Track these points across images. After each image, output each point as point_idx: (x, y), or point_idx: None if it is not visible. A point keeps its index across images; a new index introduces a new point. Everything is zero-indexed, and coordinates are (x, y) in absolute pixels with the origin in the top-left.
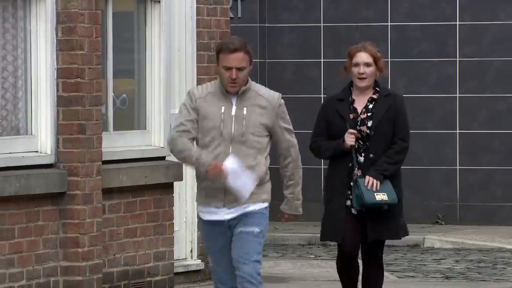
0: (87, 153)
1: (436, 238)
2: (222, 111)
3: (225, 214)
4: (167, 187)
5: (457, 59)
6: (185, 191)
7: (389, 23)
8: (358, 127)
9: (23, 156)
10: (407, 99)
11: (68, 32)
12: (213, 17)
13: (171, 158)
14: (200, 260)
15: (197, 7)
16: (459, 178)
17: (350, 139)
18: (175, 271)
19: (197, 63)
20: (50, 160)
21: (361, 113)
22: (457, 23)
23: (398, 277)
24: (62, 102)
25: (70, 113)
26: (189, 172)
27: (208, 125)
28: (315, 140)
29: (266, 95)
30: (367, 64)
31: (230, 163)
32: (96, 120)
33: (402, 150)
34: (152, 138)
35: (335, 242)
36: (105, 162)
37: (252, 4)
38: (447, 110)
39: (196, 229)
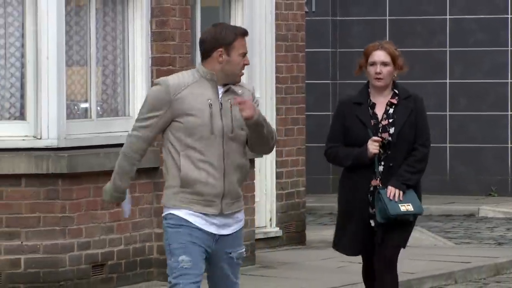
0: None
1: (489, 209)
2: (210, 104)
3: (219, 228)
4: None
5: (509, 48)
6: (265, 166)
7: (447, 16)
8: (379, 134)
9: (121, 135)
10: (464, 84)
11: (161, 25)
12: (290, 11)
13: None
14: (278, 228)
15: (276, 2)
16: (510, 155)
17: (374, 147)
18: (256, 237)
19: (275, 52)
20: None
21: (382, 119)
22: (509, 16)
23: (455, 244)
24: None
25: None
26: None
27: (195, 122)
28: (331, 146)
29: (245, 85)
30: (385, 63)
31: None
32: None
33: (423, 158)
34: None
35: (351, 256)
36: None
37: (324, 0)
38: (500, 93)
39: (274, 200)
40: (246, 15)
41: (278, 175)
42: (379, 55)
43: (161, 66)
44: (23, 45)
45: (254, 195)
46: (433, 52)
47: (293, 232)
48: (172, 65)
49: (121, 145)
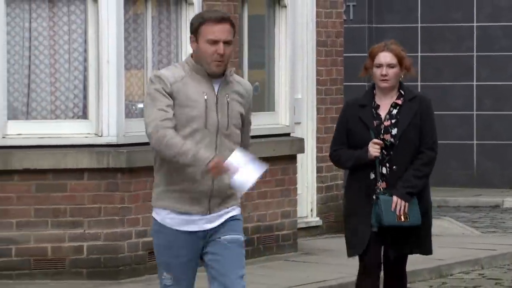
0: None
1: None
2: (205, 97)
3: (205, 223)
4: (291, 158)
5: None
6: (306, 161)
7: (474, 24)
8: (381, 136)
9: None
10: (489, 86)
11: None
12: (330, 19)
13: (295, 134)
14: (318, 218)
15: (316, 11)
16: None
17: (374, 149)
18: (298, 226)
19: (316, 57)
20: None
21: (384, 120)
22: None
23: (482, 232)
24: None
25: None
26: (309, 146)
27: (190, 113)
28: (335, 149)
29: (242, 82)
30: (390, 65)
31: (235, 159)
32: None
33: (430, 161)
34: (279, 118)
35: (355, 253)
36: None
37: (361, 8)
38: None
39: (315, 192)
40: (289, 23)
41: (319, 170)
42: (385, 57)
43: None
44: (85, 50)
45: (296, 188)
46: (461, 57)
47: (332, 222)
48: None
49: None
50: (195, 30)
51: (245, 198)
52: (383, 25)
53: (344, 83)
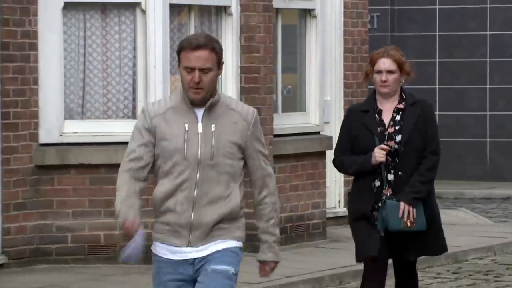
0: (262, 129)
1: None
2: (186, 128)
3: (190, 253)
4: (321, 154)
5: None
6: None
7: (488, 32)
8: (385, 142)
9: None
10: (502, 89)
11: (248, 40)
12: (356, 28)
13: (324, 133)
14: (345, 208)
15: (344, 20)
16: None
17: (381, 155)
18: (326, 216)
19: (343, 62)
20: None
21: (388, 127)
22: None
23: (495, 222)
24: (244, 91)
25: (250, 100)
26: None
27: (168, 147)
28: (338, 155)
29: (238, 109)
30: (390, 71)
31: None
32: (269, 105)
33: (434, 166)
34: (310, 118)
35: (370, 255)
36: (276, 136)
37: (385, 18)
38: None
39: (342, 185)
40: (319, 32)
41: None
42: (385, 63)
43: (248, 74)
44: (134, 57)
45: (325, 181)
46: (476, 63)
47: None
48: (257, 73)
49: None
50: (177, 56)
51: (279, 190)
52: (404, 34)
53: (369, 87)
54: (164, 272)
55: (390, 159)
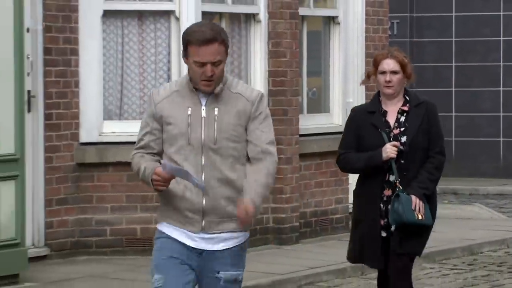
0: (288, 129)
1: None
2: (189, 113)
3: (203, 243)
4: None
5: None
6: None
7: (501, 38)
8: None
9: None
10: None
11: (276, 45)
12: (377, 34)
13: None
14: None
15: (365, 27)
16: None
17: (392, 150)
18: (349, 211)
19: (365, 66)
20: None
21: (393, 128)
22: None
23: (508, 217)
24: (271, 93)
25: (277, 101)
26: None
27: (173, 131)
28: (343, 153)
29: (242, 91)
30: (394, 72)
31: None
32: (295, 106)
33: (440, 165)
34: (333, 119)
35: (374, 268)
36: (301, 136)
37: (404, 25)
38: None
39: None
40: (342, 38)
41: None
42: (389, 64)
43: (275, 77)
44: (169, 61)
45: (348, 178)
46: (490, 67)
47: None
48: (284, 76)
49: None
50: (185, 47)
51: (304, 187)
52: (423, 39)
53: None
54: (171, 248)
55: (395, 160)
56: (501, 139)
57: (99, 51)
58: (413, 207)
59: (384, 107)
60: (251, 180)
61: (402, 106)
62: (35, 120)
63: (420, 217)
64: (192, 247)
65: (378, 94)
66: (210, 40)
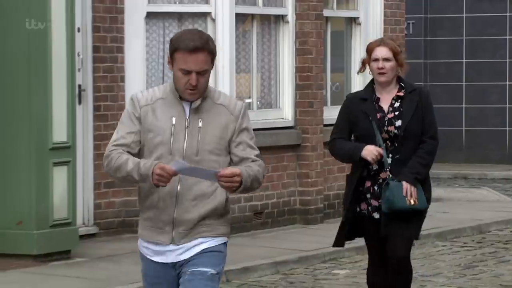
0: (314, 120)
1: None
2: (173, 122)
3: (174, 255)
4: None
5: None
6: None
7: (507, 37)
8: (385, 127)
9: (273, 121)
10: None
11: (302, 44)
12: (394, 33)
13: None
14: None
15: (384, 27)
16: None
17: (373, 155)
18: None
19: None
20: (290, 124)
21: (388, 113)
22: None
23: None
24: (298, 87)
25: (303, 95)
26: None
27: (154, 139)
28: (333, 138)
29: (226, 103)
30: (387, 59)
31: (178, 163)
32: (320, 99)
33: (433, 150)
34: None
35: (337, 246)
36: (325, 125)
37: (419, 25)
38: None
39: None
40: (362, 36)
41: None
42: (381, 51)
43: (302, 73)
44: None
45: None
46: (497, 63)
47: None
48: (310, 72)
49: (274, 128)
50: (171, 53)
51: (328, 172)
52: (436, 38)
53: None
54: (153, 275)
55: (389, 144)
56: (507, 128)
57: (143, 49)
58: (404, 194)
59: (378, 95)
60: (242, 167)
61: (397, 92)
62: (85, 111)
63: (412, 203)
64: (165, 263)
65: (372, 81)
66: (198, 49)
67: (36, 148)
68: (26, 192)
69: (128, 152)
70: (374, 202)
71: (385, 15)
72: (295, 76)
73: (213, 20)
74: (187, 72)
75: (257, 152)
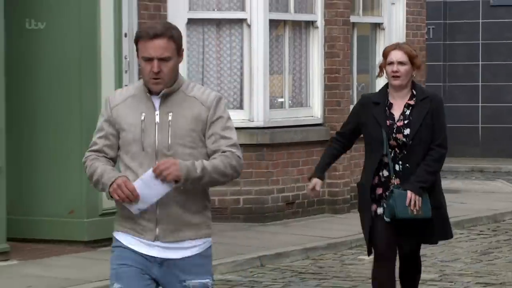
0: (341, 117)
1: None
2: (142, 118)
3: (160, 251)
4: None
5: None
6: None
7: None
8: (394, 135)
9: (304, 119)
10: None
11: (331, 47)
12: (415, 37)
13: None
14: None
15: (406, 32)
16: None
17: (311, 192)
18: None
19: None
20: (320, 121)
21: (398, 120)
22: None
23: None
24: (327, 88)
25: (331, 94)
26: None
27: (126, 137)
28: (333, 137)
29: (198, 95)
30: (401, 63)
31: (144, 179)
32: (347, 99)
33: (440, 158)
34: None
35: (379, 251)
36: None
37: (438, 30)
38: None
39: None
40: (386, 40)
41: None
42: (396, 55)
43: (330, 74)
44: (242, 61)
45: None
46: (511, 65)
47: None
48: (337, 73)
49: (304, 125)
50: (135, 45)
51: (354, 165)
52: (454, 42)
53: (426, 84)
54: (128, 257)
55: (398, 151)
56: None
57: (184, 53)
58: (407, 203)
59: (391, 100)
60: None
61: (408, 100)
62: None
63: (415, 212)
64: (150, 256)
65: (387, 86)
66: (158, 35)
67: (87, 143)
68: (78, 184)
69: (105, 156)
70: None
71: (407, 21)
72: (324, 77)
73: (249, 26)
74: (149, 59)
75: (231, 141)
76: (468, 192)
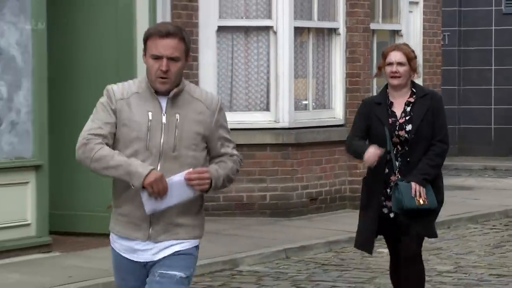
0: None
1: None
2: (150, 117)
3: (147, 255)
4: None
5: None
6: None
7: None
8: (396, 132)
9: (327, 120)
10: None
11: (352, 53)
12: (432, 43)
13: None
14: None
15: (423, 38)
16: None
17: (371, 159)
18: None
19: (423, 69)
20: (341, 122)
21: (400, 118)
22: None
23: None
24: (348, 90)
25: (353, 97)
26: None
27: (129, 134)
28: (350, 135)
29: (203, 98)
30: (400, 64)
31: (177, 179)
32: None
33: (442, 153)
34: None
35: (366, 253)
36: None
37: (453, 36)
38: None
39: None
40: None
41: None
42: (395, 55)
43: (351, 78)
44: (268, 66)
45: None
46: None
47: None
48: (358, 77)
49: (326, 126)
50: (144, 44)
51: None
52: (468, 48)
53: (442, 87)
54: (125, 271)
55: (400, 148)
56: None
57: (214, 58)
58: (412, 194)
59: (392, 99)
60: (214, 166)
61: (408, 98)
62: None
63: (421, 202)
64: (137, 262)
65: (386, 86)
66: (170, 34)
67: None
68: None
69: (107, 143)
70: (388, 203)
71: (424, 28)
72: (346, 81)
73: (275, 33)
74: (158, 57)
75: (233, 144)
76: (481, 189)
